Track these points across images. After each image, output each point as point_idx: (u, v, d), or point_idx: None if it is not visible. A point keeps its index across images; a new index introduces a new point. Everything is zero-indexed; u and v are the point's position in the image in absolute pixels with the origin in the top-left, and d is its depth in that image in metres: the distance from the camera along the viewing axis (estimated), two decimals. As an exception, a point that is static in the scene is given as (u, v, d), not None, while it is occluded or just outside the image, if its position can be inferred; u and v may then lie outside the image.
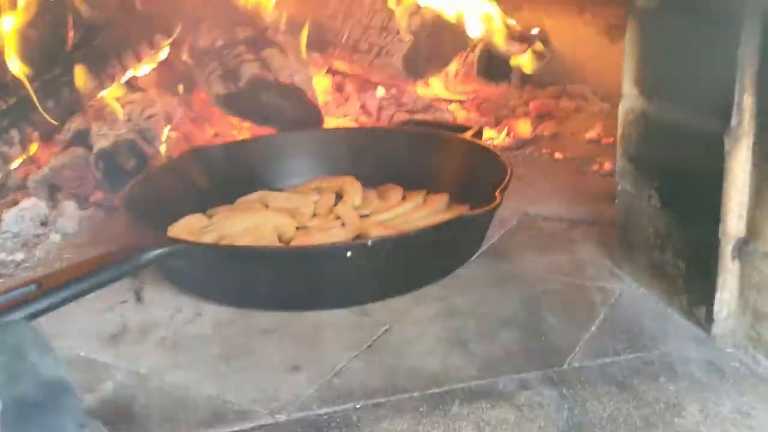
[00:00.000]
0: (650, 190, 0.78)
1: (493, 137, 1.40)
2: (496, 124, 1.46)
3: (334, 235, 0.96)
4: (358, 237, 0.96)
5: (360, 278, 0.81)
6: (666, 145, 0.76)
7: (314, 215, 1.05)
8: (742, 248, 0.68)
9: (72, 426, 0.39)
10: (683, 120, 0.72)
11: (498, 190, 0.88)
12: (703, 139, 0.69)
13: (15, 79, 1.28)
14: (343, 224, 1.00)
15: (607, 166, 1.21)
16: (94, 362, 0.74)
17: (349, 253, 0.77)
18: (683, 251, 0.75)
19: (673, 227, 0.76)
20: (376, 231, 0.97)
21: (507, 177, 0.93)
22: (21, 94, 1.27)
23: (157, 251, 0.75)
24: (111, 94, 1.36)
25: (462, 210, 1.02)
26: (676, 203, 0.75)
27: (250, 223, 1.00)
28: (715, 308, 0.71)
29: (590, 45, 1.58)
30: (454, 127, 1.20)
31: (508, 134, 1.41)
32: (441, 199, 1.05)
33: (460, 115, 1.51)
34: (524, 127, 1.44)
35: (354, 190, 1.10)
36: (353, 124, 1.43)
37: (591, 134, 1.40)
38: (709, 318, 0.72)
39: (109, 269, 0.71)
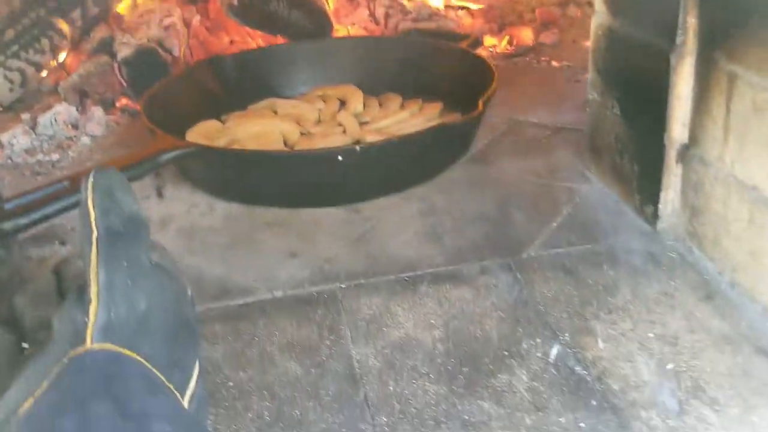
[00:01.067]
0: (613, 100, 0.86)
1: (495, 44, 1.46)
2: (500, 31, 1.52)
3: (334, 140, 1.05)
4: (356, 143, 1.06)
5: (352, 180, 0.91)
6: (626, 58, 0.83)
7: (318, 122, 1.15)
8: (684, 153, 0.77)
9: (144, 256, 0.49)
10: (639, 36, 0.79)
11: (481, 100, 0.96)
12: (654, 55, 0.76)
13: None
14: (344, 131, 1.10)
15: (599, 74, 1.28)
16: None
17: (339, 157, 0.87)
18: (637, 155, 0.83)
19: (630, 134, 0.84)
20: (372, 138, 1.06)
21: (492, 86, 1.00)
22: (49, 5, 1.36)
23: (174, 153, 0.86)
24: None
25: (453, 117, 1.11)
26: (632, 112, 0.83)
27: (259, 129, 1.10)
28: (660, 206, 0.80)
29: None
30: (453, 35, 1.26)
31: (510, 42, 1.47)
32: (435, 108, 1.13)
33: (466, 22, 1.56)
34: (526, 35, 1.49)
35: (356, 99, 1.18)
36: (360, 32, 1.50)
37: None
38: (656, 214, 0.81)
39: (134, 167, 0.82)
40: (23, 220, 0.73)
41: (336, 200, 0.92)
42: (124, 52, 1.28)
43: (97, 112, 1.23)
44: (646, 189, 0.82)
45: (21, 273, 0.78)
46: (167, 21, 1.37)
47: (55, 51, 1.36)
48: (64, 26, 1.37)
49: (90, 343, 0.43)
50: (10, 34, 1.31)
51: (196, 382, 0.48)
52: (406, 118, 1.12)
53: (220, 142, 1.07)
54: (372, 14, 1.53)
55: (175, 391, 0.46)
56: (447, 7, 1.64)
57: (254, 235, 0.88)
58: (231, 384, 0.65)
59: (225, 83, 1.19)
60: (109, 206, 0.49)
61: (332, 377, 0.65)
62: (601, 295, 0.73)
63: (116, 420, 0.41)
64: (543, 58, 1.41)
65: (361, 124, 1.12)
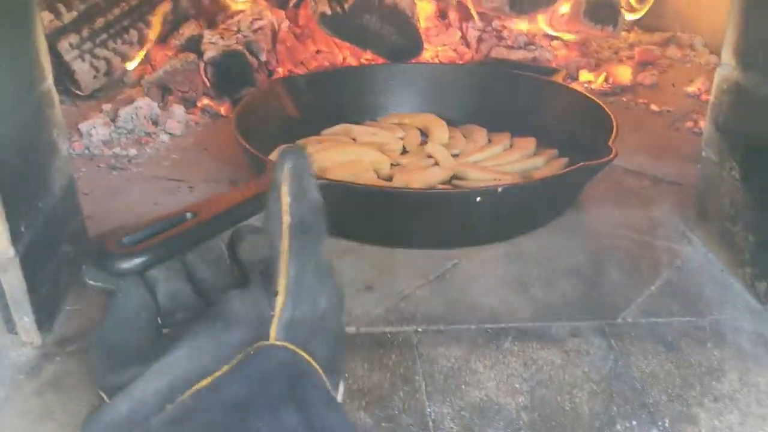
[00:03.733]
0: (732, 162, 0.79)
1: (591, 81, 1.40)
2: (596, 67, 1.45)
3: (433, 173, 0.98)
4: (455, 177, 0.99)
5: (454, 224, 0.85)
6: (755, 119, 0.76)
7: (403, 152, 1.07)
8: (813, 232, 0.69)
9: (323, 249, 0.48)
10: (775, 97, 0.72)
11: (611, 141, 0.89)
12: (791, 120, 0.69)
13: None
14: (436, 163, 1.03)
15: (702, 124, 1.19)
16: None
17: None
18: (754, 226, 0.76)
19: (748, 201, 0.76)
20: (474, 172, 0.99)
21: (614, 128, 0.93)
22: (141, -4, 1.35)
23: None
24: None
25: (551, 155, 1.04)
26: (755, 179, 0.76)
27: (348, 157, 1.02)
28: (776, 285, 0.73)
29: (709, -7, 1.52)
30: (543, 69, 1.19)
31: (606, 80, 1.40)
32: (530, 143, 1.07)
33: (561, 54, 1.50)
34: (624, 74, 1.42)
35: (440, 130, 1.12)
36: (450, 55, 1.45)
37: (692, 88, 1.37)
38: (769, 293, 0.74)
39: (253, 203, 0.64)
40: (142, 259, 0.57)
41: (427, 244, 0.85)
42: (210, 52, 1.26)
43: (178, 110, 1.21)
44: (760, 263, 0.75)
45: None
46: (257, 24, 1.35)
47: (142, 43, 1.35)
48: (154, 19, 1.36)
49: (273, 339, 0.44)
50: (100, 22, 1.30)
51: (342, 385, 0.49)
52: (500, 153, 1.06)
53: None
54: (464, 36, 1.48)
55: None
56: (539, 37, 1.57)
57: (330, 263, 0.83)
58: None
59: (299, 104, 1.11)
60: (300, 193, 0.47)
61: (404, 435, 0.60)
62: (706, 379, 0.66)
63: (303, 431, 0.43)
64: (641, 100, 1.33)
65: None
